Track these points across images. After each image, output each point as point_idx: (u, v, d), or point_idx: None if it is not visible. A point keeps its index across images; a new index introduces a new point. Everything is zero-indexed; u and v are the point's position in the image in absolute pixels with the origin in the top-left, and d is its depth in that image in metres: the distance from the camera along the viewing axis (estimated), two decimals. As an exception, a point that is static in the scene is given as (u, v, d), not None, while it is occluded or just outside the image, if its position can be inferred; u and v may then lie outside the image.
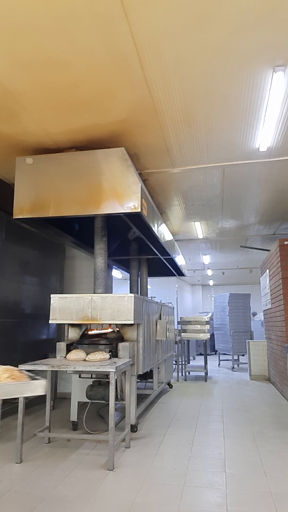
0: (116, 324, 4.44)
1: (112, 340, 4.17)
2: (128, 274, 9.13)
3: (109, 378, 4.21)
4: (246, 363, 10.18)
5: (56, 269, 6.04)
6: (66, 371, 3.77)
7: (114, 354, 4.05)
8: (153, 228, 4.76)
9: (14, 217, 4.06)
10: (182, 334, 8.16)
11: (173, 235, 8.46)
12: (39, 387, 1.86)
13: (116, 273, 12.95)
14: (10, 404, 5.28)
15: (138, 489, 2.88)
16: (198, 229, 7.96)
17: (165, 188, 5.58)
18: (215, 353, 13.90)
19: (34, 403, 5.59)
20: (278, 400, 6.00)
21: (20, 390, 1.83)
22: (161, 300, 6.87)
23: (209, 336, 8.15)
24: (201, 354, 13.34)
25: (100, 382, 4.28)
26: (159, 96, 3.34)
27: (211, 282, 18.23)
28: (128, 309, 4.00)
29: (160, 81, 3.14)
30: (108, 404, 3.57)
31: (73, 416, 4.34)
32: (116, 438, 3.57)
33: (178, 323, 8.35)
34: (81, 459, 3.49)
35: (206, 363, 8.03)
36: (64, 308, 4.14)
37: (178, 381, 7.91)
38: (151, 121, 3.74)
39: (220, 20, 2.52)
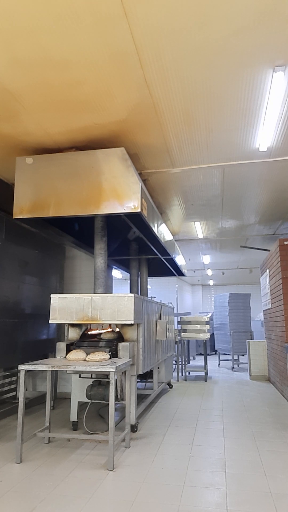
0: (116, 324, 4.44)
1: (112, 340, 4.18)
2: (128, 274, 9.13)
3: (109, 378, 4.21)
4: (246, 363, 10.19)
5: (56, 269, 6.04)
6: (66, 371, 3.77)
7: (114, 354, 4.05)
8: (153, 228, 4.76)
9: (14, 217, 4.06)
10: (182, 334, 8.16)
11: (173, 235, 8.46)
12: None
13: (116, 273, 12.95)
14: (10, 404, 5.28)
15: (138, 489, 2.88)
16: (198, 229, 7.96)
17: (165, 188, 5.58)
18: (215, 353, 13.91)
19: (34, 403, 5.59)
20: (278, 400, 6.00)
21: None
22: (161, 300, 6.87)
23: (209, 336, 8.16)
24: (201, 354, 13.34)
25: (100, 382, 4.28)
26: (159, 96, 3.34)
27: (211, 282, 18.23)
28: (128, 309, 4.00)
29: (160, 81, 3.14)
30: (108, 404, 3.57)
31: (73, 416, 4.34)
32: (116, 438, 3.57)
33: (178, 323, 8.36)
34: (81, 459, 3.49)
35: (206, 363, 8.03)
36: (64, 308, 4.14)
37: (178, 381, 7.91)
38: (151, 121, 3.74)
39: (220, 20, 2.52)
